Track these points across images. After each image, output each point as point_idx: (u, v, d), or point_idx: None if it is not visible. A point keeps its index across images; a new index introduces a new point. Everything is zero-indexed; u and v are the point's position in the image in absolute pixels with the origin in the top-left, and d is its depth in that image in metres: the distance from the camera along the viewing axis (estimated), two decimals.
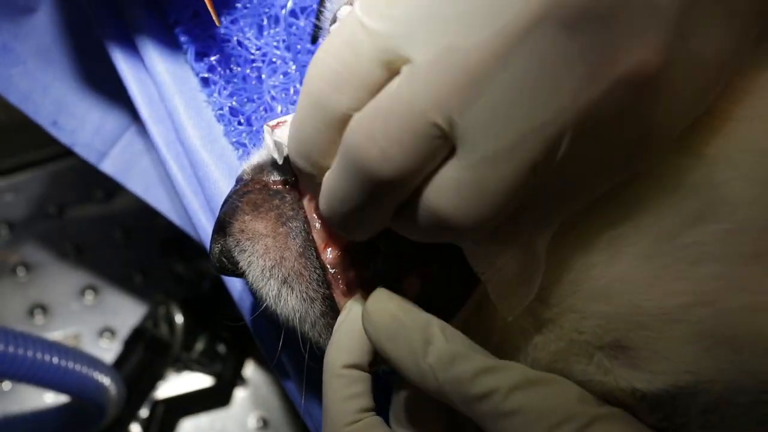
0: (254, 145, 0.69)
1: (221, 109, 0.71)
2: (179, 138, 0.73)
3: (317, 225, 0.51)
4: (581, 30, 0.28)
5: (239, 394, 1.24)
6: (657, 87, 0.29)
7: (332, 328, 0.50)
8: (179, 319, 1.19)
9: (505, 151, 0.30)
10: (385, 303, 0.44)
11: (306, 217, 0.51)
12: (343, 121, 0.34)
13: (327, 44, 0.33)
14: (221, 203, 0.73)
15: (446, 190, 0.32)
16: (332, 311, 0.50)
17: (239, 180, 0.55)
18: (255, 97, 0.71)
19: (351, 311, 0.47)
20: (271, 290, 0.51)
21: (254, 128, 0.70)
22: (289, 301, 0.51)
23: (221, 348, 1.22)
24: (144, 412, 1.19)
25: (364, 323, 0.44)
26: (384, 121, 0.31)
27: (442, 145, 0.31)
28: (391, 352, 0.42)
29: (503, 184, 0.31)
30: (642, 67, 0.28)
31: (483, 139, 0.30)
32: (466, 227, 0.33)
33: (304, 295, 0.50)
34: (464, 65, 0.29)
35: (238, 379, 1.24)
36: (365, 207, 0.36)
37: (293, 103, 0.69)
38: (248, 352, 1.25)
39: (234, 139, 0.71)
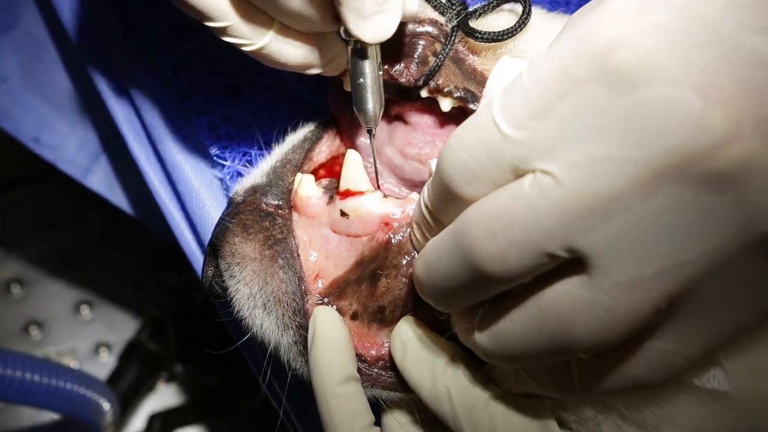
0: (234, 159, 0.68)
1: (200, 123, 0.70)
2: (159, 152, 0.72)
3: (311, 256, 0.51)
4: (733, 186, 0.29)
5: (237, 404, 1.23)
6: None
7: (304, 357, 0.50)
8: (173, 331, 1.18)
9: (642, 281, 0.31)
10: (415, 327, 0.46)
11: (295, 240, 0.51)
12: (465, 203, 0.35)
13: (462, 136, 0.34)
14: (204, 215, 0.72)
15: (573, 304, 0.33)
16: (304, 341, 0.49)
17: (231, 202, 0.55)
18: (235, 111, 0.70)
19: (317, 327, 0.48)
20: (254, 319, 0.51)
21: (234, 142, 0.69)
22: (266, 327, 0.51)
23: (216, 359, 1.21)
24: (140, 426, 1.18)
25: (393, 341, 0.47)
26: (507, 225, 0.32)
27: (563, 260, 0.32)
28: (411, 372, 0.46)
29: (636, 310, 0.32)
30: None
31: (618, 266, 0.31)
32: (587, 343, 0.33)
33: (279, 321, 0.50)
34: (603, 189, 0.30)
35: (234, 390, 1.23)
36: (466, 291, 0.37)
37: (272, 115, 0.69)
38: (244, 363, 1.24)
39: (214, 153, 0.70)
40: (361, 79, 0.45)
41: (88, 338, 1.27)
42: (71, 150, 0.86)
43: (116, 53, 0.71)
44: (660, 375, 0.35)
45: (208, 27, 0.44)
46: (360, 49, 0.44)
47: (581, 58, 0.31)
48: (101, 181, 0.88)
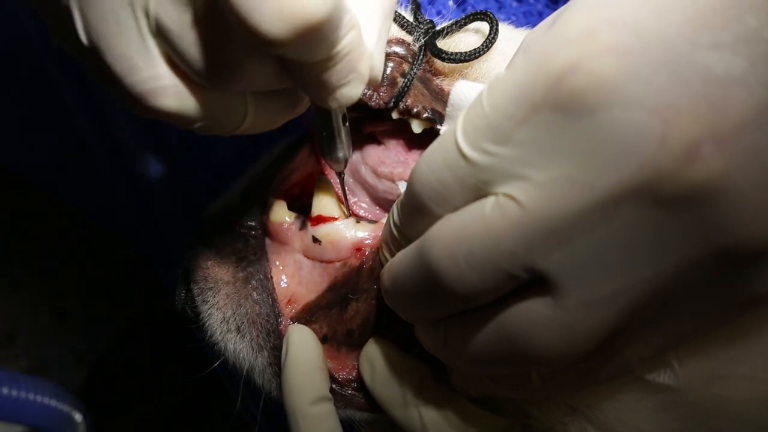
0: (196, 169, 0.67)
1: (168, 134, 0.69)
2: (127, 163, 0.71)
3: (283, 281, 0.50)
4: (693, 205, 0.29)
5: (215, 411, 1.22)
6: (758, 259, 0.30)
7: (278, 379, 0.49)
8: (149, 340, 1.17)
9: (603, 299, 0.31)
10: (383, 348, 0.46)
11: (268, 264, 0.50)
12: (435, 219, 0.35)
13: (429, 160, 0.34)
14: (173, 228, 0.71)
15: (535, 324, 0.33)
16: (278, 362, 0.49)
17: (203, 224, 0.54)
18: None
19: (290, 346, 0.47)
20: (227, 343, 0.50)
21: (205, 154, 0.68)
22: (240, 350, 0.50)
23: (193, 366, 1.20)
24: None
25: (362, 363, 0.46)
26: (468, 248, 0.32)
27: (525, 280, 0.32)
28: (381, 393, 0.45)
29: (598, 327, 0.32)
30: (741, 245, 0.30)
31: (580, 286, 0.31)
32: (549, 361, 0.33)
33: (254, 343, 0.49)
34: (564, 212, 0.30)
35: (212, 397, 1.22)
36: (430, 307, 0.37)
37: None
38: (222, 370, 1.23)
39: (185, 165, 0.69)
40: (326, 132, 0.44)
41: (60, 349, 1.24)
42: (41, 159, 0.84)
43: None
44: (615, 373, 0.36)
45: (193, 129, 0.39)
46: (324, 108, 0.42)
47: (537, 83, 0.31)
48: (69, 191, 0.85)
